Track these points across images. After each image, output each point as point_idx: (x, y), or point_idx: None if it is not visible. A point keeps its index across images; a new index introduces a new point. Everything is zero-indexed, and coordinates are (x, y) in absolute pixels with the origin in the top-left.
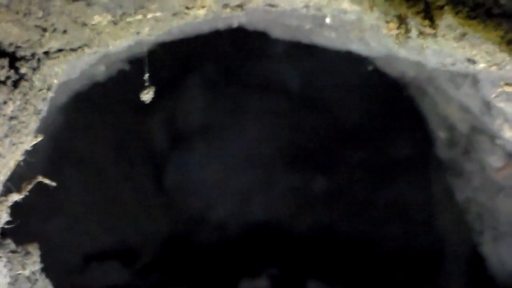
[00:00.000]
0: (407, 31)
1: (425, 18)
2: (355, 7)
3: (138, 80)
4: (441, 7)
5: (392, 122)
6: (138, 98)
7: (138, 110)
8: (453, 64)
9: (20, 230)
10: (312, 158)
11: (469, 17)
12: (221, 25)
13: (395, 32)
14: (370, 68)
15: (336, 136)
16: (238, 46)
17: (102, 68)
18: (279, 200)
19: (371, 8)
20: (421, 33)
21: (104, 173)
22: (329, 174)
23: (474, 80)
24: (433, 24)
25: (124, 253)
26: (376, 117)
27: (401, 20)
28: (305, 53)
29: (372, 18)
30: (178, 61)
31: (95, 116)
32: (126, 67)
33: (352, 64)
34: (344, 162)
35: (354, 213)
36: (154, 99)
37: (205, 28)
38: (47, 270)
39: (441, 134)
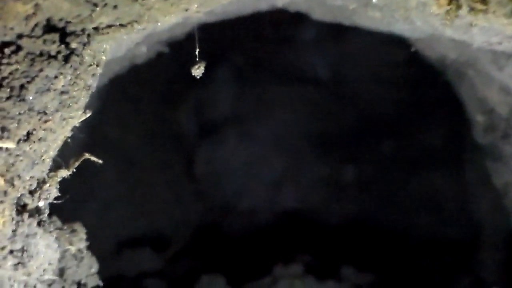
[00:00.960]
0: (458, 7)
1: None
2: None
3: (173, 66)
4: None
5: (427, 109)
6: (170, 85)
7: (170, 98)
8: (499, 43)
9: (55, 213)
10: (342, 147)
11: None
12: (264, 5)
13: (445, 8)
14: (412, 49)
15: (367, 124)
16: (273, 32)
17: (143, 49)
18: (309, 189)
19: None
20: (472, 9)
21: (136, 161)
22: (360, 164)
23: None
24: (484, 0)
25: (155, 240)
26: (411, 104)
27: None
28: (338, 40)
29: None
30: (211, 48)
31: (129, 102)
32: (166, 50)
33: (388, 49)
34: (375, 151)
35: (385, 202)
36: (183, 88)
37: (248, 9)
38: None
39: (480, 118)
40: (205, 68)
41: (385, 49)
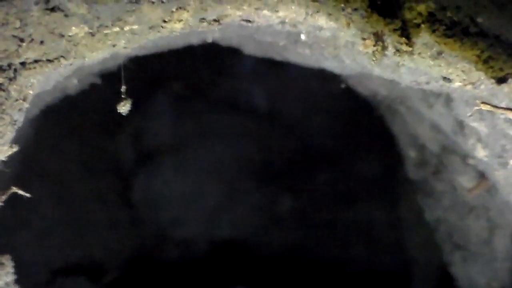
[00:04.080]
0: (384, 48)
1: (402, 35)
2: (332, 24)
3: (108, 96)
4: (418, 25)
5: (361, 142)
6: (106, 114)
7: (106, 126)
8: (427, 83)
9: None
10: (279, 177)
11: (446, 35)
12: (195, 40)
13: (371, 49)
14: (342, 86)
15: (303, 155)
16: (209, 64)
17: (74, 81)
18: (246, 218)
19: (348, 24)
20: (397, 51)
21: (71, 188)
22: (296, 193)
23: (447, 99)
24: (410, 42)
25: (91, 269)
26: (345, 137)
27: (378, 37)
28: (274, 72)
29: (348, 35)
30: (147, 77)
31: (64, 130)
32: (98, 81)
33: (322, 83)
34: (311, 182)
35: (321, 233)
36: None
37: (179, 43)
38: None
39: (412, 154)
40: (141, 95)
41: (319, 83)
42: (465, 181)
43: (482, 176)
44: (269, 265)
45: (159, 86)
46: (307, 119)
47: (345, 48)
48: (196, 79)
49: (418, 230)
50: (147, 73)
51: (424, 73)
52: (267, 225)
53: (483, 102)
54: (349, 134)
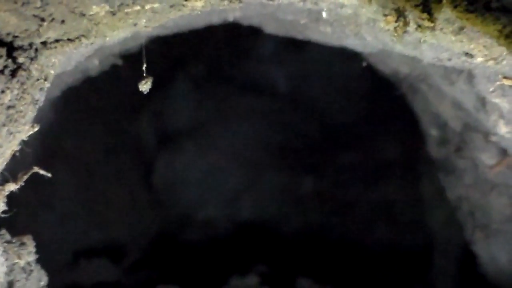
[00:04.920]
0: (405, 24)
1: (423, 11)
2: (353, 1)
3: (129, 77)
4: (439, 1)
5: (382, 121)
6: (127, 95)
7: (128, 108)
8: (449, 59)
9: (10, 225)
10: (301, 158)
11: (468, 10)
12: (216, 19)
13: (393, 25)
14: (364, 64)
15: (325, 136)
16: (229, 45)
17: (95, 62)
18: (268, 199)
19: (369, 1)
20: (419, 26)
21: (93, 171)
22: (318, 175)
23: (469, 76)
24: (431, 18)
25: (113, 251)
26: (366, 117)
27: (400, 13)
28: (294, 52)
29: (369, 11)
30: (167, 59)
31: (85, 112)
32: (119, 62)
33: (343, 62)
34: (332, 163)
35: (343, 213)
36: (143, 98)
37: (200, 23)
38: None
39: (433, 132)
40: (162, 77)
41: (340, 62)
42: (487, 158)
43: (504, 153)
44: (290, 246)
45: (180, 68)
46: (328, 99)
47: (367, 26)
48: (216, 61)
49: (440, 208)
50: (168, 54)
51: (446, 49)
52: (289, 207)
53: (505, 77)
54: (370, 113)
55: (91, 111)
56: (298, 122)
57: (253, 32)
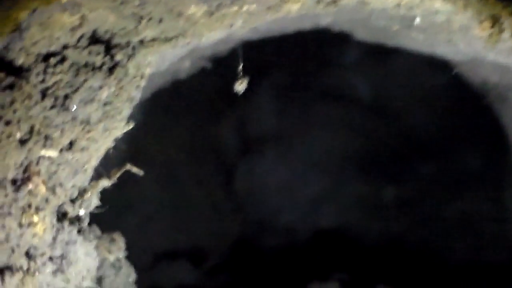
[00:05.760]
0: (501, 31)
1: None
2: (448, 7)
3: (216, 82)
4: None
5: (468, 131)
6: (212, 100)
7: (212, 113)
8: None
9: (95, 222)
10: (383, 167)
11: None
12: (308, 24)
13: (488, 32)
14: (453, 72)
15: (407, 146)
16: (316, 52)
17: (187, 64)
18: (348, 208)
19: (465, 7)
20: None
21: (176, 174)
22: (400, 185)
23: None
24: None
25: (193, 254)
26: (452, 127)
27: (495, 20)
28: (380, 60)
29: (464, 18)
30: (254, 65)
31: (171, 115)
32: (209, 65)
33: (429, 72)
34: (414, 173)
35: (424, 224)
36: (225, 105)
37: (291, 27)
38: None
39: None
40: (248, 84)
41: (426, 72)
42: None
43: None
44: (370, 255)
45: (265, 75)
46: (412, 108)
47: (460, 32)
48: (302, 68)
49: None
50: (255, 61)
51: None
52: (369, 216)
53: None
54: (456, 123)
55: (177, 114)
56: (380, 131)
57: (343, 39)
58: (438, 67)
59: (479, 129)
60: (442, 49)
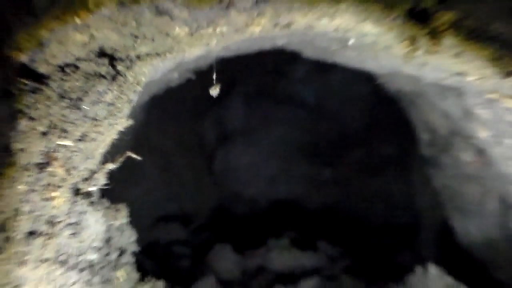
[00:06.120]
0: (416, 49)
1: (431, 38)
2: (375, 30)
3: (198, 90)
4: (444, 30)
5: (386, 127)
6: (196, 104)
7: (196, 114)
8: (445, 78)
9: (108, 196)
10: (322, 154)
11: (466, 39)
12: (267, 45)
13: (406, 50)
14: (376, 83)
15: (340, 138)
16: (273, 67)
17: (175, 75)
18: (297, 184)
19: (389, 29)
20: (427, 51)
21: (169, 159)
22: (334, 167)
23: (459, 92)
24: (437, 44)
25: (182, 217)
26: (373, 124)
27: (413, 40)
28: (320, 74)
29: (388, 39)
30: (226, 77)
31: (166, 115)
32: (192, 76)
33: (358, 82)
34: (345, 158)
35: (352, 196)
36: (206, 107)
37: (255, 47)
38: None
39: (424, 136)
40: (221, 92)
41: (356, 82)
42: (466, 156)
43: (481, 152)
44: (312, 218)
45: (234, 85)
46: (345, 110)
47: (383, 51)
48: (263, 80)
49: (426, 193)
50: (226, 74)
51: (444, 70)
52: (313, 190)
53: (494, 92)
54: (377, 121)
55: (170, 114)
56: (321, 127)
57: (294, 56)
58: (365, 78)
59: (394, 125)
60: (369, 64)
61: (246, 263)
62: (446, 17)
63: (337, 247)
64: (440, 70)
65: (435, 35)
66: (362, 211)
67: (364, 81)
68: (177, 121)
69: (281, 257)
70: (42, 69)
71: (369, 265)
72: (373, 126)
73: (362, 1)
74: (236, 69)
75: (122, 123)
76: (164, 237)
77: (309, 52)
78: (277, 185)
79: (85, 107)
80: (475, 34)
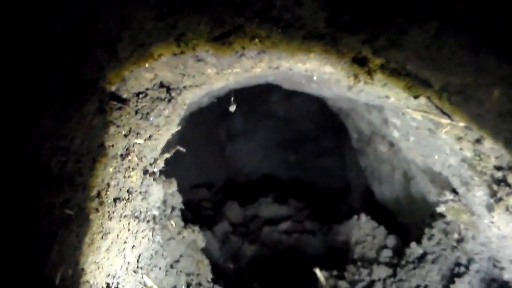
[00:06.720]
0: (358, 82)
1: (368, 75)
2: (331, 70)
3: (218, 109)
4: (376, 70)
5: (329, 130)
6: (215, 118)
7: (216, 122)
8: (373, 100)
9: (164, 173)
10: (290, 146)
11: (389, 75)
12: (262, 80)
13: (351, 83)
14: (327, 103)
15: (299, 137)
16: (262, 94)
17: (205, 99)
18: (276, 164)
19: (340, 69)
20: (365, 83)
21: (199, 150)
22: (297, 154)
23: (380, 108)
24: (371, 78)
25: (207, 185)
26: (322, 128)
27: (356, 76)
28: (291, 98)
29: (339, 75)
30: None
31: (197, 123)
32: (215, 100)
33: (315, 103)
34: (303, 149)
35: (308, 171)
36: (221, 118)
37: (253, 82)
38: None
39: (355, 135)
40: (228, 110)
41: (312, 102)
42: (383, 147)
43: (392, 145)
44: (285, 185)
45: (237, 105)
46: (303, 120)
47: (335, 83)
48: (255, 102)
49: (356, 170)
50: (234, 98)
51: (374, 95)
52: (284, 168)
53: (405, 108)
54: (323, 126)
55: (201, 122)
56: (289, 130)
57: (277, 87)
58: (318, 100)
59: (335, 130)
60: (324, 92)
61: (246, 213)
62: (377, 61)
63: (301, 203)
64: (371, 95)
65: (370, 73)
66: (314, 181)
67: (318, 101)
68: (204, 127)
69: (267, 209)
70: (124, 95)
71: (321, 213)
72: (321, 129)
73: (324, 52)
74: (241, 95)
75: (174, 128)
76: (195, 197)
77: (287, 85)
78: (263, 166)
79: (151, 119)
80: (395, 72)
